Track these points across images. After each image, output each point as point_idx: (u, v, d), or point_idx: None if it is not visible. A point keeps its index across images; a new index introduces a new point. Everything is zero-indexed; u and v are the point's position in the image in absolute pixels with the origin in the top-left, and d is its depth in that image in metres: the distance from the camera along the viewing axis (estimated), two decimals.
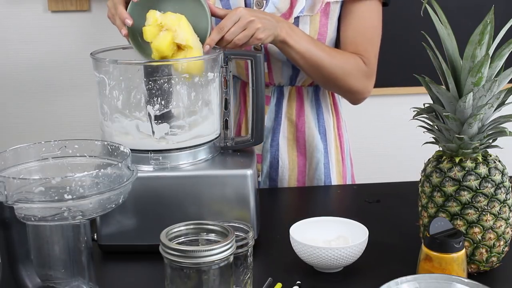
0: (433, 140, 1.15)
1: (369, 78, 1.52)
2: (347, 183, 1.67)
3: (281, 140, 1.58)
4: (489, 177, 1.10)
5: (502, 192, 1.10)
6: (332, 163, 1.62)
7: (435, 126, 1.13)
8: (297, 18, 1.46)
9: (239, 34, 1.29)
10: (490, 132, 1.10)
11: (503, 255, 1.14)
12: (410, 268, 1.09)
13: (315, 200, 1.56)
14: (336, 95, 1.64)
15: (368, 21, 1.51)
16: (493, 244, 1.11)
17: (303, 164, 1.60)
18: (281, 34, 1.37)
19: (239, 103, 1.59)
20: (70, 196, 0.95)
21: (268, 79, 1.54)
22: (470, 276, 1.08)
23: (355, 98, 1.55)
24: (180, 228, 1.00)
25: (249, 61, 1.26)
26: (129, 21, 1.27)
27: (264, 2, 1.47)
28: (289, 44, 1.39)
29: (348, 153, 1.69)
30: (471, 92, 1.05)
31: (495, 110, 1.09)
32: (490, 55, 1.05)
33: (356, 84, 1.50)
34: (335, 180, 1.63)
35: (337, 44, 1.56)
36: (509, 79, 1.09)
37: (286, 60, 1.50)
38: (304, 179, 1.61)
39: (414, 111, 1.14)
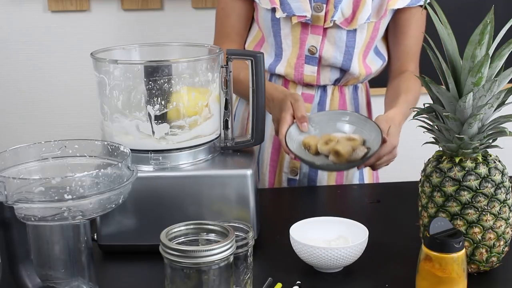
0: (433, 140, 1.15)
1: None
2: (376, 180, 1.72)
3: None
4: (489, 177, 1.10)
5: (502, 192, 1.10)
6: None
7: (435, 126, 1.13)
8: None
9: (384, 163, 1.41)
10: (490, 132, 1.10)
11: (503, 255, 1.14)
12: (410, 268, 1.09)
13: (315, 200, 1.56)
14: (370, 93, 1.69)
15: (422, 28, 1.59)
16: (493, 244, 1.11)
17: None
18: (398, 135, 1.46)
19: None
20: (70, 196, 0.95)
21: (315, 80, 1.58)
22: (470, 276, 1.07)
23: None
24: (180, 228, 1.00)
25: (249, 61, 1.26)
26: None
27: (324, 6, 1.51)
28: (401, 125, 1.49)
29: None
30: (471, 92, 1.05)
31: (495, 110, 1.09)
32: (490, 55, 1.05)
33: None
34: (367, 178, 1.67)
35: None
36: (509, 79, 1.09)
37: (340, 65, 1.55)
38: (342, 179, 1.64)
39: (414, 111, 1.14)
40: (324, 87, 1.60)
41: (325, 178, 1.63)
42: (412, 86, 1.56)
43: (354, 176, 1.66)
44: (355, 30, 1.52)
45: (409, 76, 1.57)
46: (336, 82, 1.60)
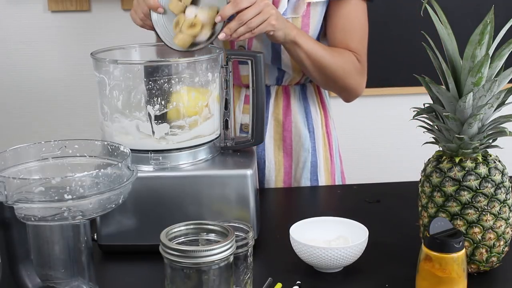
0: (433, 140, 1.15)
1: (363, 76, 1.55)
2: (336, 180, 1.67)
3: (268, 140, 1.58)
4: (489, 177, 1.10)
5: (502, 192, 1.10)
6: (320, 161, 1.62)
7: (435, 126, 1.13)
8: None
9: (254, 17, 1.27)
10: (490, 132, 1.10)
11: (503, 255, 1.14)
12: (410, 268, 1.09)
13: (315, 200, 1.56)
14: (323, 92, 1.65)
15: (355, 20, 1.52)
16: (493, 244, 1.11)
17: (289, 165, 1.60)
18: (291, 33, 1.37)
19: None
20: (70, 196, 0.95)
21: None
22: (470, 276, 1.07)
23: (350, 96, 1.57)
24: (180, 228, 1.00)
25: (249, 61, 1.26)
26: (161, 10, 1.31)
27: None
28: (299, 43, 1.39)
29: (337, 150, 1.69)
30: (471, 92, 1.05)
31: (495, 110, 1.09)
32: (490, 55, 1.05)
33: (353, 82, 1.51)
34: (323, 178, 1.62)
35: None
36: (509, 79, 1.09)
37: (270, 62, 1.51)
38: (290, 180, 1.61)
39: (414, 111, 1.14)
40: (267, 88, 1.56)
41: (272, 180, 1.59)
42: (340, 52, 1.49)
43: (302, 178, 1.60)
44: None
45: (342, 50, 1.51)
46: (278, 82, 1.56)
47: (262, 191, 1.47)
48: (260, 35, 1.43)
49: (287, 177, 1.61)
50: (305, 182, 1.60)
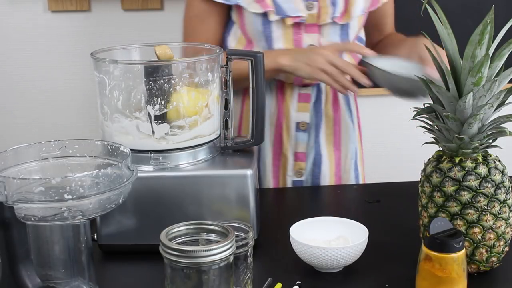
0: (433, 140, 1.15)
1: None
2: (365, 169, 1.73)
3: (322, 136, 1.60)
4: (489, 177, 1.10)
5: (502, 192, 1.10)
6: (358, 152, 1.68)
7: (435, 126, 1.13)
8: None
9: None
10: (490, 132, 1.10)
11: (503, 255, 1.14)
12: (410, 268, 1.09)
13: (315, 200, 1.56)
14: None
15: (390, 5, 1.67)
16: (493, 244, 1.11)
17: (338, 157, 1.64)
18: None
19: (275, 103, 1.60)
20: (70, 196, 0.95)
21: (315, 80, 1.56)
22: (470, 276, 1.07)
23: None
24: (180, 228, 1.00)
25: (249, 61, 1.26)
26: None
27: (316, 3, 1.50)
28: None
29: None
30: (471, 92, 1.05)
31: (495, 110, 1.09)
32: (490, 55, 1.05)
33: None
34: (360, 169, 1.69)
35: None
36: (509, 79, 1.09)
37: None
38: (340, 172, 1.65)
39: (414, 111, 1.14)
40: (318, 85, 1.58)
41: (327, 175, 1.62)
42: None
43: (350, 169, 1.66)
44: (348, 23, 1.51)
45: (393, 35, 1.66)
46: None
47: (262, 191, 1.47)
48: (327, 34, 1.51)
49: (337, 169, 1.64)
50: (352, 173, 1.66)
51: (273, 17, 1.48)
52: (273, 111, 1.59)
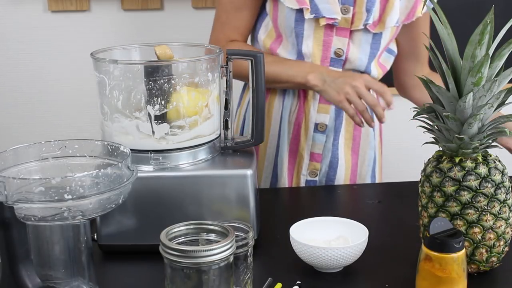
0: (433, 140, 1.15)
1: None
2: (383, 176, 1.74)
3: (340, 139, 1.61)
4: (489, 177, 1.10)
5: (502, 192, 1.10)
6: (377, 157, 1.68)
7: (435, 126, 1.13)
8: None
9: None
10: (490, 132, 1.10)
11: (503, 255, 1.14)
12: (410, 268, 1.09)
13: (315, 200, 1.56)
14: None
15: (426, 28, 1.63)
16: (493, 244, 1.11)
17: (355, 162, 1.64)
18: None
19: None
20: (70, 196, 0.95)
21: None
22: (470, 276, 1.07)
23: None
24: (180, 228, 1.00)
25: (249, 61, 1.26)
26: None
27: (351, 8, 1.49)
28: None
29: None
30: (471, 92, 1.05)
31: (495, 110, 1.09)
32: (490, 55, 1.05)
33: None
34: (377, 175, 1.69)
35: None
36: (509, 79, 1.09)
37: (365, 69, 1.55)
38: (355, 178, 1.65)
39: (414, 111, 1.14)
40: None
41: (342, 178, 1.63)
42: None
43: (367, 175, 1.66)
44: (381, 33, 1.51)
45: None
46: None
47: (262, 191, 1.47)
48: (358, 40, 1.51)
49: (352, 175, 1.64)
50: (368, 179, 1.66)
51: (307, 15, 1.47)
52: (293, 110, 1.60)
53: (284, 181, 1.63)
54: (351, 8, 1.49)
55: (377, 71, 1.57)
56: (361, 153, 1.64)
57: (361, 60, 1.53)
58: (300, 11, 1.49)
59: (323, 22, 1.48)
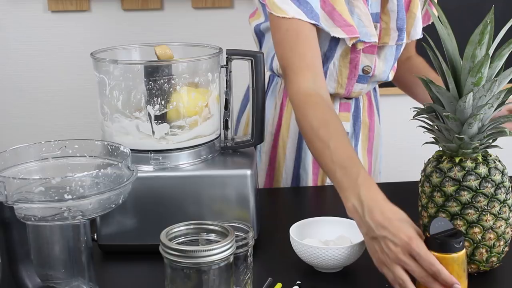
0: (433, 140, 1.15)
1: None
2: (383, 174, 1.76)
3: (359, 143, 1.62)
4: (489, 177, 1.10)
5: (502, 192, 1.10)
6: (382, 153, 1.71)
7: (435, 126, 1.13)
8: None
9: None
10: (490, 132, 1.10)
11: (503, 255, 1.14)
12: None
13: (315, 200, 1.56)
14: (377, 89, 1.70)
15: None
16: (493, 244, 1.11)
17: (370, 162, 1.66)
18: None
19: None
20: (70, 196, 0.95)
21: (360, 94, 1.56)
22: (470, 276, 1.07)
23: None
24: (180, 228, 1.00)
25: (249, 61, 1.26)
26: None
27: (378, 25, 1.45)
28: None
29: None
30: (471, 92, 1.05)
31: (495, 110, 1.09)
32: (490, 55, 1.05)
33: None
34: (382, 171, 1.71)
35: None
36: (509, 79, 1.09)
37: (388, 78, 1.55)
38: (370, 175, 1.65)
39: (414, 111, 1.14)
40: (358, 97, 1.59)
41: None
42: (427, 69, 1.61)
43: (379, 172, 1.70)
44: (402, 43, 1.50)
45: (419, 62, 1.66)
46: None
47: (262, 191, 1.47)
48: (383, 55, 1.49)
49: (369, 173, 1.63)
50: (380, 175, 1.69)
51: (349, 42, 1.40)
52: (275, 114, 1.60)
53: (309, 179, 1.60)
54: (378, 25, 1.46)
55: (392, 75, 1.57)
56: (374, 152, 1.66)
57: (385, 72, 1.52)
58: (336, 37, 1.40)
59: (360, 46, 1.43)
